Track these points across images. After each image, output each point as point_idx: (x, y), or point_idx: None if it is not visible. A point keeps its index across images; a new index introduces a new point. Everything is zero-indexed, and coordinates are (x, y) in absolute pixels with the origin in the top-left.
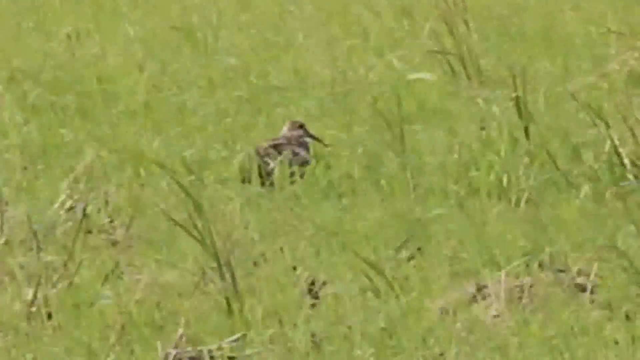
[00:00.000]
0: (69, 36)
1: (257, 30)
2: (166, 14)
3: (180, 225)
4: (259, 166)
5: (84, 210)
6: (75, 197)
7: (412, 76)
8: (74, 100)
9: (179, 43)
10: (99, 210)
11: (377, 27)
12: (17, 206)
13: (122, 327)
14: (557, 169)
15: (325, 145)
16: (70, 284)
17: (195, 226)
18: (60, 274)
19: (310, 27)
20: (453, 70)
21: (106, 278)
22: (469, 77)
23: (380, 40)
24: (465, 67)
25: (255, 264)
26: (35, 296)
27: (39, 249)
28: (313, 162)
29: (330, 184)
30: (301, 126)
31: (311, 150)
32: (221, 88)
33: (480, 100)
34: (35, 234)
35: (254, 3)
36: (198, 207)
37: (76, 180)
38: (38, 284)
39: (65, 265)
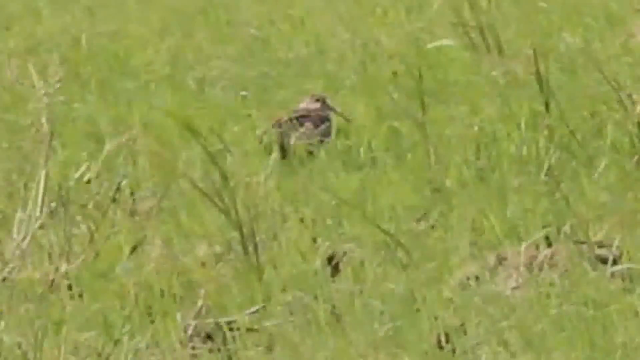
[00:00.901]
0: (88, 8)
1: (277, 2)
2: None
3: (206, 195)
4: (280, 139)
5: (119, 184)
6: (99, 167)
7: (434, 44)
8: (94, 73)
9: (197, 16)
10: (122, 181)
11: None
12: (40, 177)
13: (143, 298)
14: (578, 142)
15: (346, 119)
16: (96, 255)
17: (220, 197)
18: (85, 245)
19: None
20: (473, 43)
21: (129, 249)
22: (489, 50)
23: (400, 12)
24: (485, 40)
25: (275, 235)
26: (58, 267)
27: (63, 219)
28: (333, 134)
29: (350, 156)
30: (321, 99)
31: (332, 123)
32: (240, 60)
33: (500, 73)
34: (60, 205)
35: None
36: (224, 177)
37: (99, 151)
38: (61, 255)
39: (91, 236)
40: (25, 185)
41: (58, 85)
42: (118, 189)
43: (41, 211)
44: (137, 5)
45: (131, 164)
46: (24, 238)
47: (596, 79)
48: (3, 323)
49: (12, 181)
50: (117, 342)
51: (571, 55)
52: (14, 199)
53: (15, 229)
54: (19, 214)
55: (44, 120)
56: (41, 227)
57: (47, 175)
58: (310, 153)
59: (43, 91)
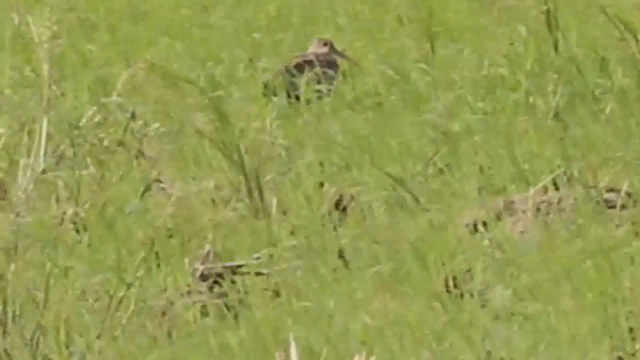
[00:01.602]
0: None
1: None
2: None
3: (210, 140)
4: (287, 82)
5: (127, 126)
6: (105, 112)
7: None
8: (103, 18)
9: None
10: (127, 126)
11: None
12: (48, 122)
13: (151, 243)
14: (585, 84)
15: (354, 63)
16: (104, 198)
17: (223, 142)
18: (93, 189)
19: None
20: None
21: (135, 193)
22: None
23: None
24: None
25: (282, 179)
26: (66, 210)
27: (71, 163)
28: (340, 78)
29: (357, 100)
30: (328, 43)
31: (339, 67)
32: (247, 4)
33: (506, 15)
34: (71, 147)
35: None
36: (226, 123)
37: (106, 95)
38: (69, 198)
39: (100, 180)
40: (29, 132)
41: (55, 27)
42: (125, 131)
43: (45, 154)
44: None
45: (139, 105)
46: (30, 182)
47: (604, 19)
48: (12, 266)
49: (20, 125)
50: (128, 286)
51: None
52: (20, 145)
53: (20, 173)
54: (23, 159)
55: (45, 65)
56: (50, 170)
57: (49, 120)
58: (318, 97)
59: (44, 37)
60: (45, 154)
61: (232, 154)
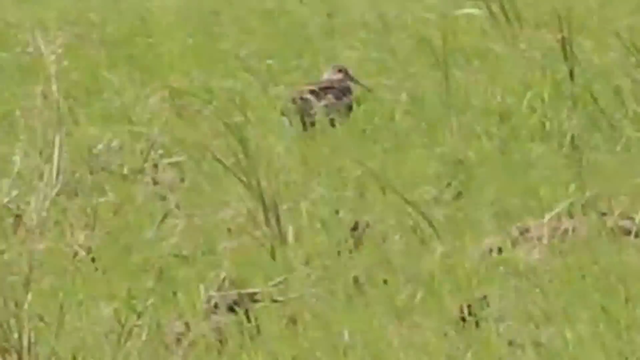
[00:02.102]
0: None
1: None
2: None
3: (228, 167)
4: (302, 111)
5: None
6: (120, 138)
7: (459, 12)
8: (118, 43)
9: None
10: (144, 153)
11: None
12: (63, 148)
13: (165, 270)
14: (601, 111)
15: (368, 89)
16: (120, 226)
17: (241, 168)
18: (108, 217)
19: None
20: (493, 14)
21: (152, 220)
22: (509, 21)
23: None
24: (504, 11)
25: (298, 206)
26: (81, 239)
27: (88, 191)
28: (355, 105)
29: (373, 127)
30: (342, 70)
31: (353, 94)
32: (262, 30)
33: (522, 43)
34: (89, 175)
35: None
36: (245, 148)
37: (123, 122)
38: (85, 226)
39: (117, 207)
40: (46, 159)
41: (60, 50)
42: (142, 158)
43: (58, 180)
44: None
45: (156, 132)
46: (43, 209)
47: (620, 46)
48: (29, 295)
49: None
50: (140, 315)
51: (594, 22)
52: (35, 171)
53: (33, 199)
54: (37, 185)
55: (54, 88)
56: (66, 197)
57: (65, 147)
58: (333, 124)
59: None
60: (58, 180)
61: (250, 181)
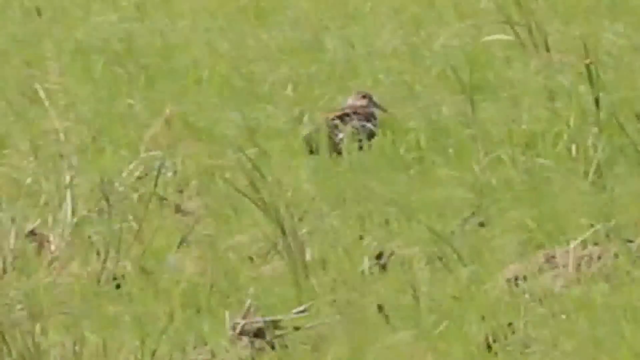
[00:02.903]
0: (137, 6)
1: (324, 1)
2: None
3: (246, 196)
4: (327, 137)
5: (156, 178)
6: (144, 167)
7: (488, 38)
8: (141, 71)
9: (245, 14)
10: (167, 181)
11: None
12: (87, 177)
13: (188, 296)
14: (627, 138)
15: (392, 116)
16: (142, 253)
17: (261, 197)
18: (131, 244)
19: None
20: (520, 42)
21: (175, 248)
22: (537, 48)
23: (446, 10)
24: (532, 38)
25: (323, 234)
26: (104, 266)
27: (110, 219)
28: (380, 132)
29: (397, 154)
30: (367, 96)
31: (378, 121)
32: (288, 59)
33: (548, 70)
34: (106, 203)
35: None
36: (264, 178)
37: (144, 150)
38: (107, 254)
39: (136, 235)
40: (70, 183)
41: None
42: (155, 184)
43: (73, 211)
44: (184, 4)
45: (178, 162)
46: (63, 237)
47: None
48: (50, 321)
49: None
50: (161, 341)
51: (620, 50)
52: (57, 200)
53: (57, 226)
54: (59, 213)
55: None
56: (89, 225)
57: (72, 178)
58: (358, 150)
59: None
60: (75, 208)
61: (269, 208)
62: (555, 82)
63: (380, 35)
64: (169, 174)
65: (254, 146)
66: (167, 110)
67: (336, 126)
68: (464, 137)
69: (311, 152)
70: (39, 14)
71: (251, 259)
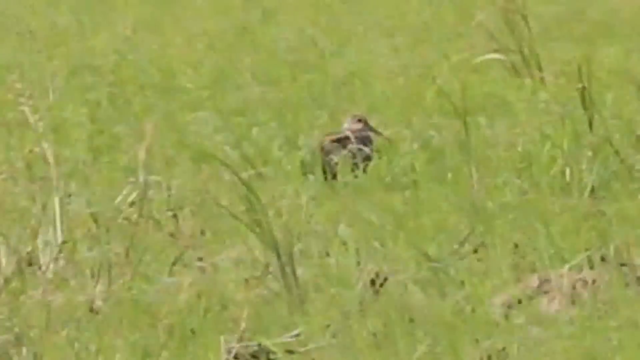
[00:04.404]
0: (132, 30)
1: (317, 24)
2: (228, 9)
3: (239, 220)
4: (323, 161)
5: (144, 201)
6: (138, 190)
7: (482, 58)
8: (136, 94)
9: (240, 38)
10: (161, 204)
11: (436, 20)
12: (81, 200)
13: (182, 320)
14: (621, 161)
15: (388, 140)
16: (133, 277)
17: (255, 220)
18: (123, 268)
19: (370, 20)
20: (514, 65)
21: (168, 272)
22: (530, 72)
23: (440, 34)
24: (525, 61)
25: (318, 257)
26: (95, 290)
27: (102, 242)
28: (376, 156)
29: (393, 178)
30: (362, 120)
31: (373, 144)
32: (282, 82)
33: (542, 94)
34: (98, 226)
35: None
36: (258, 201)
37: (138, 173)
38: (98, 278)
39: (127, 257)
40: (61, 206)
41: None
42: (138, 206)
43: (62, 234)
44: (178, 27)
45: (166, 187)
46: (51, 260)
47: (637, 95)
48: (45, 347)
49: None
50: None
51: (613, 73)
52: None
53: (49, 251)
54: (46, 236)
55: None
56: (82, 248)
57: (61, 202)
58: (353, 174)
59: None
60: (67, 232)
61: (264, 233)
62: (550, 105)
63: (375, 58)
64: (163, 197)
65: (250, 169)
66: (150, 131)
67: (332, 150)
68: (459, 161)
69: (306, 175)
70: (33, 37)
71: (246, 281)
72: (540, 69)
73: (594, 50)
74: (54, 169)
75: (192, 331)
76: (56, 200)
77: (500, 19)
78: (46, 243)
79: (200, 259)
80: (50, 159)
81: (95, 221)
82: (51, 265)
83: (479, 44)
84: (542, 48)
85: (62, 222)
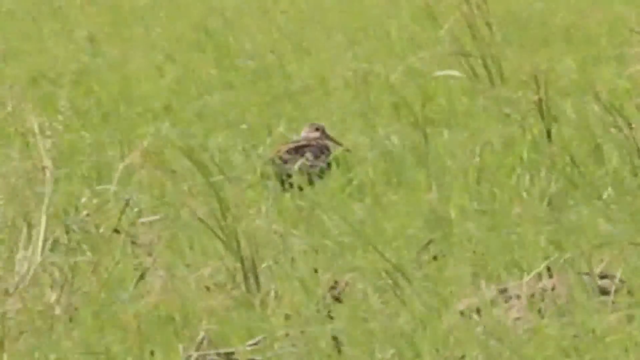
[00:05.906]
0: (90, 39)
1: (279, 33)
2: (188, 17)
3: (208, 225)
4: (280, 169)
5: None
6: (100, 198)
7: (439, 73)
8: (96, 103)
9: (200, 46)
10: (123, 211)
11: (397, 29)
12: (44, 208)
13: (143, 329)
14: (580, 171)
15: (346, 148)
16: (98, 286)
17: (220, 226)
18: (85, 276)
19: (331, 29)
20: (475, 73)
21: (130, 279)
22: (491, 80)
23: (401, 42)
24: (487, 70)
25: (278, 265)
26: (59, 298)
27: (67, 251)
28: (334, 164)
29: (351, 187)
30: (320, 128)
31: (331, 153)
32: (242, 91)
33: (502, 103)
34: (66, 235)
35: (274, 6)
36: (224, 207)
37: (100, 181)
38: (63, 286)
39: (93, 267)
40: (27, 222)
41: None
42: (120, 217)
43: (43, 248)
44: (139, 35)
45: (134, 193)
46: (26, 273)
47: (598, 106)
48: (5, 356)
49: (15, 216)
50: None
51: (573, 82)
52: (17, 235)
53: (17, 265)
54: (21, 251)
55: (45, 157)
56: (45, 257)
57: (47, 211)
58: (311, 183)
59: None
60: (43, 243)
61: (230, 240)
62: (510, 115)
63: (335, 67)
64: (129, 205)
65: (209, 176)
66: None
67: (290, 158)
68: (418, 170)
69: (265, 183)
70: None
71: (207, 289)
72: (502, 78)
73: (557, 58)
74: (23, 177)
75: (153, 341)
76: (24, 209)
77: (464, 27)
78: (13, 252)
79: (165, 268)
80: (19, 167)
81: (62, 230)
82: (18, 274)
83: (441, 53)
84: (504, 56)
85: (29, 231)
